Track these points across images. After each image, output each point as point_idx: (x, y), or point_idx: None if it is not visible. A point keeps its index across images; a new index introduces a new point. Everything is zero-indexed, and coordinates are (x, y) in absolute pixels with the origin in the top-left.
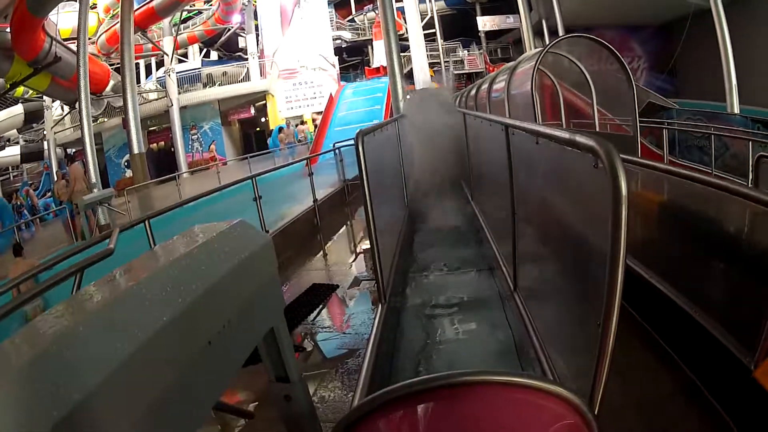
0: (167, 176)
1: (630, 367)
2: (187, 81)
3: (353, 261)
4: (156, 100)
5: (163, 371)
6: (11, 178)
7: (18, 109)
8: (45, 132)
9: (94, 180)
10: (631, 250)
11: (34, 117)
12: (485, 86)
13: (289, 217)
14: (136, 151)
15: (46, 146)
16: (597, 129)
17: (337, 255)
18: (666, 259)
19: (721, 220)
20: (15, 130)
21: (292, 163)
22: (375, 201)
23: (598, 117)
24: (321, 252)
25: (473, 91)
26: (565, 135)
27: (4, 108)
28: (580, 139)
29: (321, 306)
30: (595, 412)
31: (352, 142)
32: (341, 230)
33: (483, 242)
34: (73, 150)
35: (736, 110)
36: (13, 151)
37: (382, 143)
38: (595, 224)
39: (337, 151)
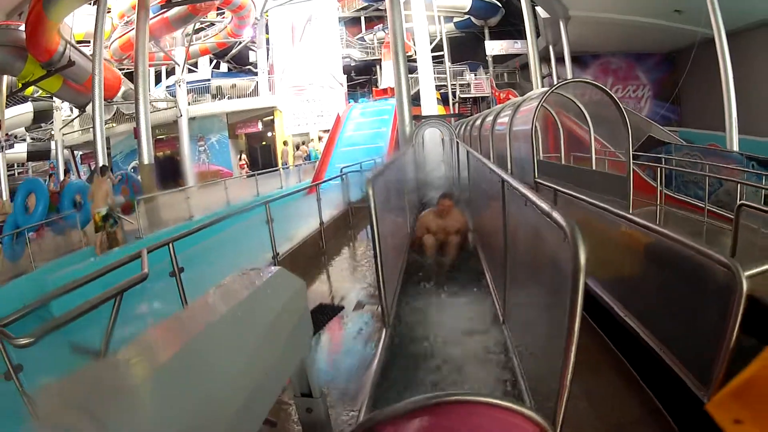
0: (176, 189)
1: (601, 392)
2: (197, 92)
3: (357, 284)
4: (165, 109)
5: (234, 398)
6: (16, 174)
7: (27, 107)
8: (53, 132)
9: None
10: (605, 286)
11: (42, 116)
12: (490, 119)
13: (296, 239)
14: (146, 161)
15: (53, 146)
16: (594, 164)
17: (342, 278)
18: (638, 298)
19: (682, 266)
20: (23, 128)
21: (301, 189)
22: (381, 229)
23: (598, 149)
24: (326, 274)
25: (478, 122)
26: (545, 207)
27: (14, 106)
28: (554, 215)
29: (326, 326)
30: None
31: (357, 167)
32: (346, 253)
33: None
34: (80, 153)
35: (735, 147)
36: (20, 149)
37: (389, 175)
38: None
39: (344, 176)
